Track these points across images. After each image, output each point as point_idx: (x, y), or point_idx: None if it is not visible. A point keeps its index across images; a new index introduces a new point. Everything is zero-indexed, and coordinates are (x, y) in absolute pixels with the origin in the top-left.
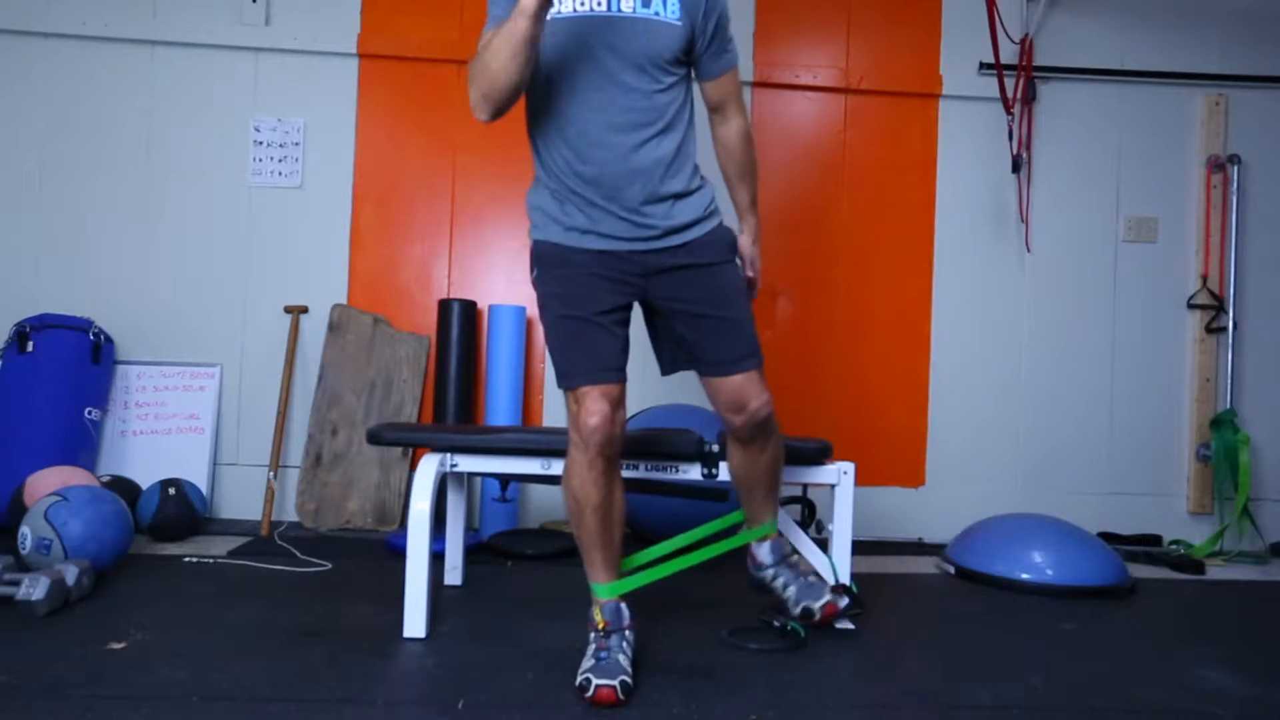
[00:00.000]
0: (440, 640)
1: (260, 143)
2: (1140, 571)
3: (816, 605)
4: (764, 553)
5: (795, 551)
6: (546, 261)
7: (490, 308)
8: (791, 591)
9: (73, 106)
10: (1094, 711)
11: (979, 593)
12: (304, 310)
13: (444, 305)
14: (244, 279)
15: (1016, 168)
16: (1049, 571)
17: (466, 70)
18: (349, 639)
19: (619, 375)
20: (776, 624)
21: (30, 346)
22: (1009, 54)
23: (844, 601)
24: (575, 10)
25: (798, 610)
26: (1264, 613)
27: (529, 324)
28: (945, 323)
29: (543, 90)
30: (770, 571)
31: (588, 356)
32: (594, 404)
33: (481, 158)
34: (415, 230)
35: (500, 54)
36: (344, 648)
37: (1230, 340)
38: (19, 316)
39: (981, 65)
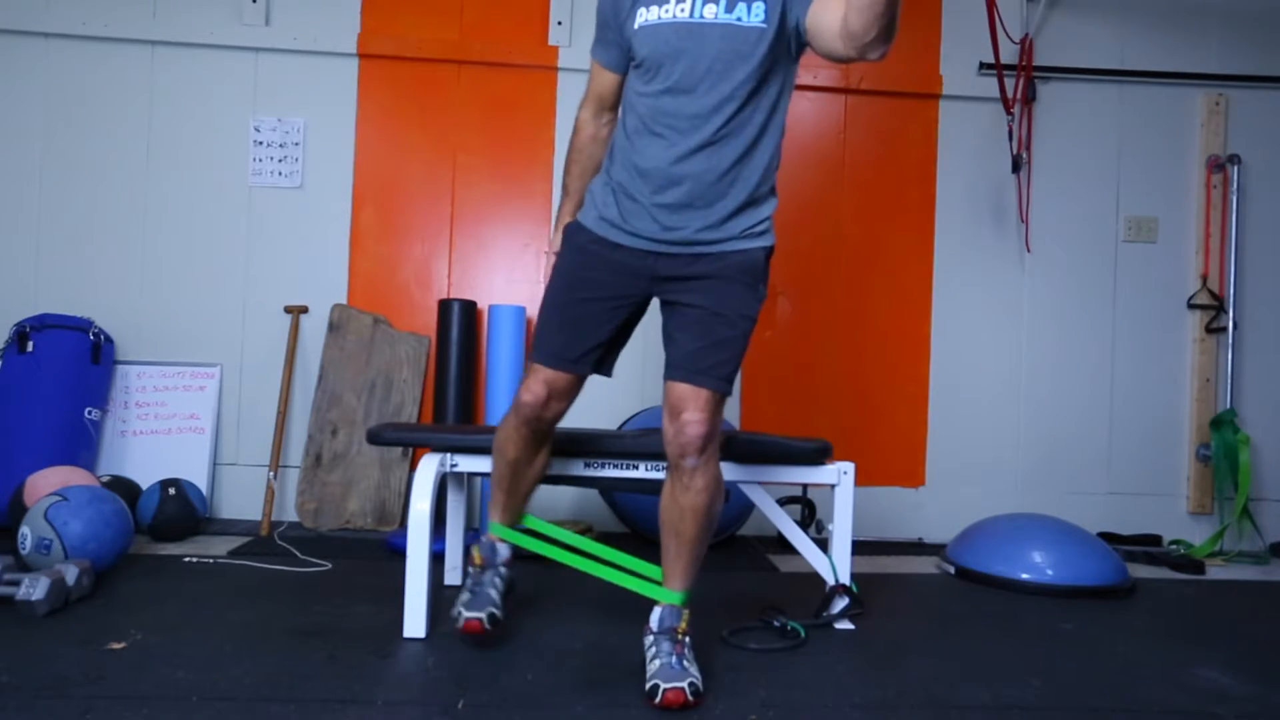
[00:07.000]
0: (440, 640)
1: (260, 143)
2: (1140, 571)
3: (664, 685)
4: (654, 618)
5: (688, 634)
6: (569, 242)
7: (490, 308)
8: (654, 665)
9: (73, 106)
10: (1094, 711)
11: (979, 593)
12: (304, 310)
13: (444, 305)
14: (244, 279)
15: (1016, 168)
16: (1049, 571)
17: (466, 70)
18: (349, 639)
19: (576, 368)
20: (776, 624)
21: (30, 346)
22: (1009, 54)
23: (691, 693)
24: (659, 18)
25: (646, 686)
26: (1264, 613)
27: (529, 324)
28: (945, 323)
29: (628, 90)
30: (650, 639)
31: (555, 338)
32: (535, 384)
33: (481, 158)
34: (415, 230)
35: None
36: (344, 648)
37: (1230, 340)
38: (19, 316)
39: (981, 65)
